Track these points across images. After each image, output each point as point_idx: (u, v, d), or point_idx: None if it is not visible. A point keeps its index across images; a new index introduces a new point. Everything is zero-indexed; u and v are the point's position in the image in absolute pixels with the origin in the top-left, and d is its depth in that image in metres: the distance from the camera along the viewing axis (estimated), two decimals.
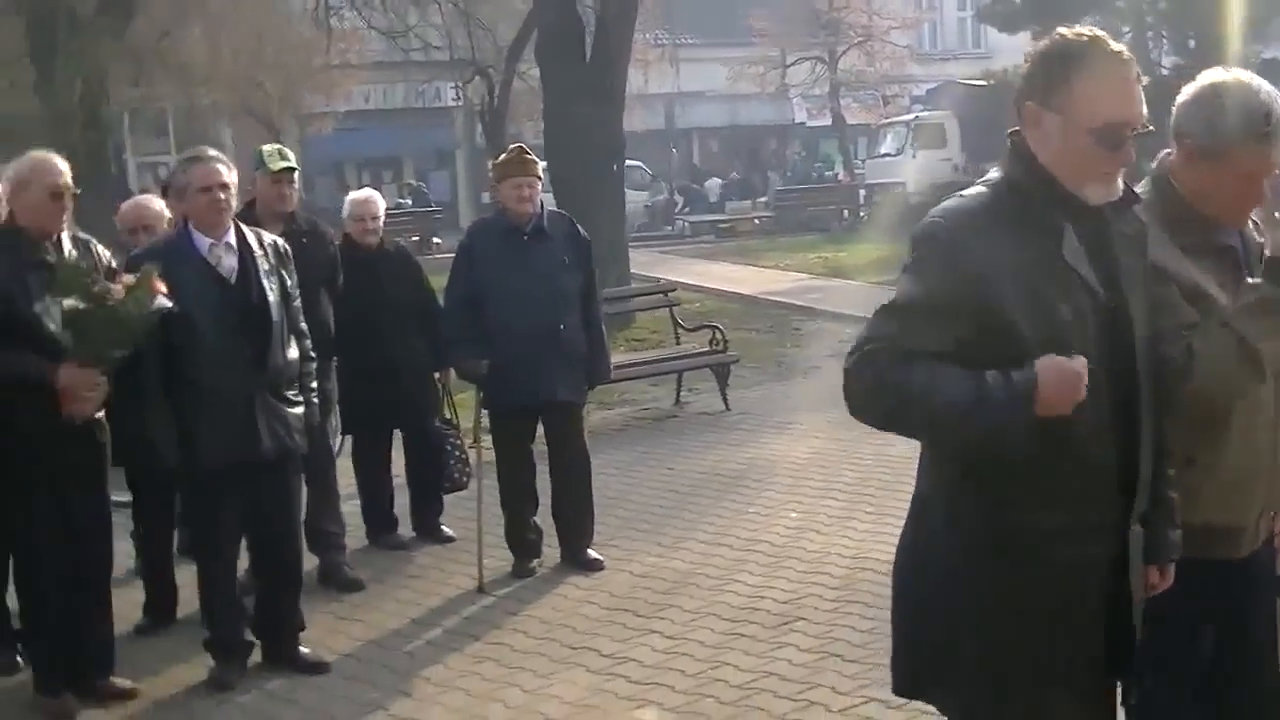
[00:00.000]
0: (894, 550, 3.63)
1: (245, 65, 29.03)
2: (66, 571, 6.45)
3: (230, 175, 6.71)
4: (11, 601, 6.97)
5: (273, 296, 6.72)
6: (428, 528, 9.23)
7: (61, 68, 21.52)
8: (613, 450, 11.09)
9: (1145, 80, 3.39)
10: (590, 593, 7.97)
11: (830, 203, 41.45)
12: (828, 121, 48.31)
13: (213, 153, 6.81)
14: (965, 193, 3.40)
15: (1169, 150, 3.79)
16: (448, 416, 9.34)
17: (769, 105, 51.51)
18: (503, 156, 8.56)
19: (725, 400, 13.38)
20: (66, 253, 6.40)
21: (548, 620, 7.55)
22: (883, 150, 39.93)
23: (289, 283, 6.88)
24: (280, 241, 7.02)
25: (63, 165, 6.49)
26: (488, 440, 8.53)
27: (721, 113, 52.81)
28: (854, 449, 10.78)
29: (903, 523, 3.62)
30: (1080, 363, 3.16)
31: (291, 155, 8.21)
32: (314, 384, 7.15)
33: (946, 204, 3.37)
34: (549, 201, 9.66)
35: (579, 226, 8.59)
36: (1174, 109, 3.76)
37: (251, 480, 6.70)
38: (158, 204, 8.16)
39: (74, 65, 21.60)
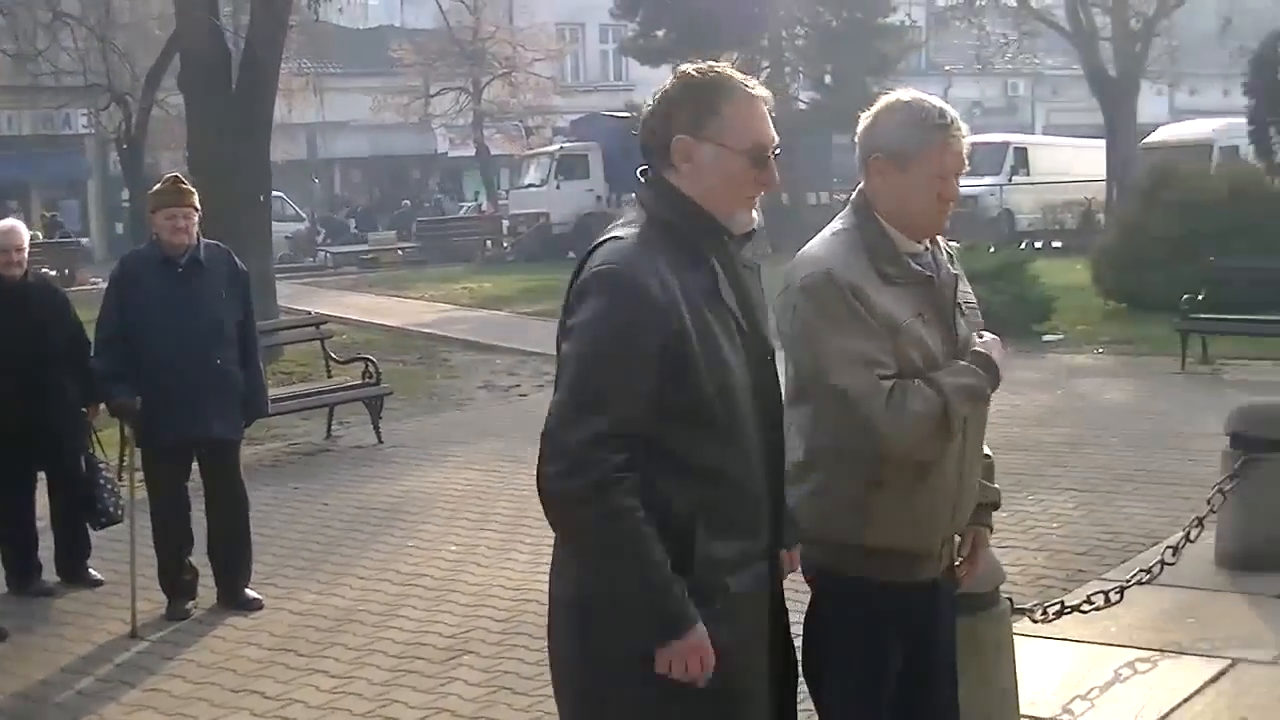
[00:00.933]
0: None
1: None
2: None
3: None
4: None
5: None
6: (75, 572, 8.88)
7: None
8: (264, 486, 10.88)
9: (776, 113, 3.58)
10: (250, 633, 7.81)
11: (474, 233, 41.62)
12: (471, 151, 48.53)
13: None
14: (619, 234, 3.43)
15: (860, 185, 3.92)
16: (92, 451, 9.02)
17: (413, 135, 51.49)
18: (158, 186, 8.33)
19: (378, 433, 13.29)
20: None
21: (207, 664, 7.36)
22: (527, 181, 40.34)
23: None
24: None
25: None
26: (139, 479, 8.29)
27: (364, 143, 52.54)
28: (510, 480, 10.79)
29: None
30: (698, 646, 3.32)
31: None
32: None
33: (610, 248, 3.39)
34: None
35: (236, 259, 8.43)
36: (858, 139, 3.90)
37: None
38: None
39: None
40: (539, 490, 3.32)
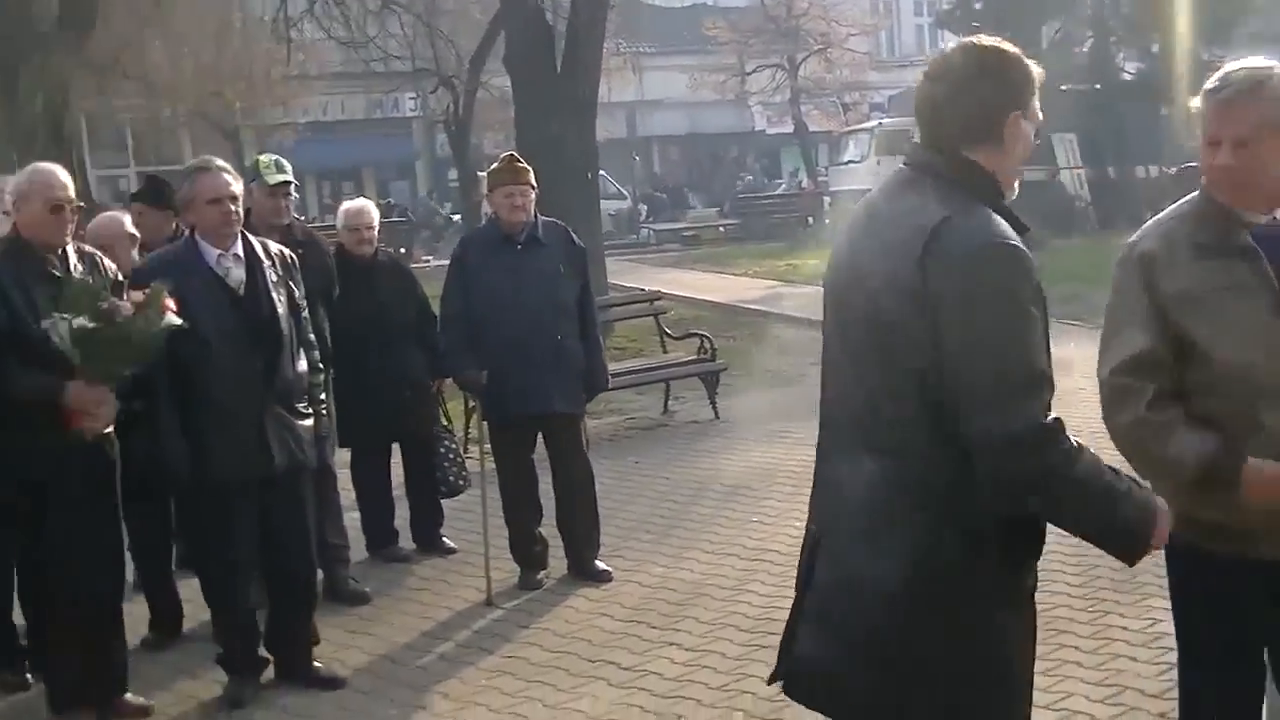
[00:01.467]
0: None
1: (206, 76, 28.81)
2: (79, 588, 6.27)
3: (238, 186, 6.58)
4: (18, 617, 6.84)
5: (281, 308, 6.58)
6: (429, 540, 9.08)
7: (23, 81, 21.25)
8: (605, 459, 10.93)
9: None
10: (602, 605, 7.84)
11: (794, 210, 41.42)
12: (788, 128, 48.32)
13: (219, 163, 6.65)
14: (952, 212, 3.30)
15: (1191, 164, 3.85)
16: (445, 423, 9.19)
17: (729, 112, 51.55)
18: (494, 165, 8.43)
19: (715, 409, 13.28)
20: (73, 267, 6.26)
21: (562, 633, 7.42)
22: (845, 157, 39.93)
23: (297, 294, 6.77)
24: (287, 252, 6.90)
25: (64, 178, 6.33)
26: (487, 450, 8.40)
27: (682, 120, 52.83)
28: None
29: None
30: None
31: (289, 168, 8.03)
32: (323, 396, 7.02)
33: (982, 224, 3.29)
34: None
35: (574, 235, 8.46)
36: (1232, 107, 3.73)
37: (262, 495, 6.55)
38: (121, 221, 7.79)
39: (36, 78, 21.33)
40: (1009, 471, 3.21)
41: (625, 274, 25.83)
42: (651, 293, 15.18)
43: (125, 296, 6.14)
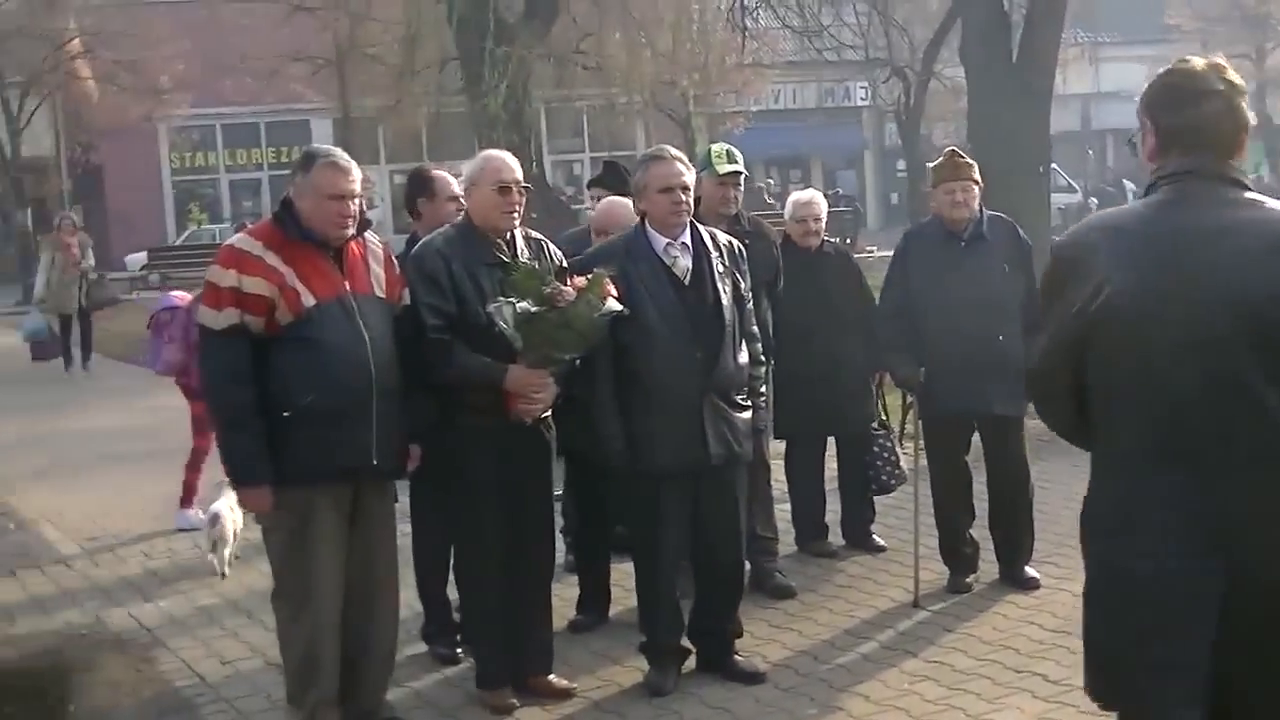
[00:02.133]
0: None
1: (662, 65, 29.43)
2: (510, 568, 6.52)
3: (690, 175, 6.65)
4: (451, 592, 7.14)
5: (726, 298, 6.61)
6: (859, 536, 9.06)
7: (488, 71, 22.18)
8: (1042, 461, 10.66)
9: None
10: (1032, 613, 7.67)
11: None
12: (1252, 121, 46.23)
13: (674, 152, 6.71)
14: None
15: None
16: (882, 418, 9.14)
17: None
18: (937, 160, 8.32)
19: None
20: (519, 251, 6.46)
21: (988, 640, 7.28)
22: None
23: (742, 285, 6.79)
24: (735, 242, 6.92)
25: (512, 162, 6.56)
26: (921, 448, 8.35)
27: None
28: None
29: None
30: None
31: (740, 157, 8.03)
32: (763, 388, 7.06)
33: None
34: None
35: (1020, 231, 8.28)
36: None
37: (697, 484, 6.63)
38: (623, 206, 7.85)
39: (500, 69, 22.23)
40: None
41: None
42: None
43: (569, 282, 6.31)
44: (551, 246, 6.75)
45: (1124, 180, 48.41)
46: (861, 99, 46.25)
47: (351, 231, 6.03)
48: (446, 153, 28.07)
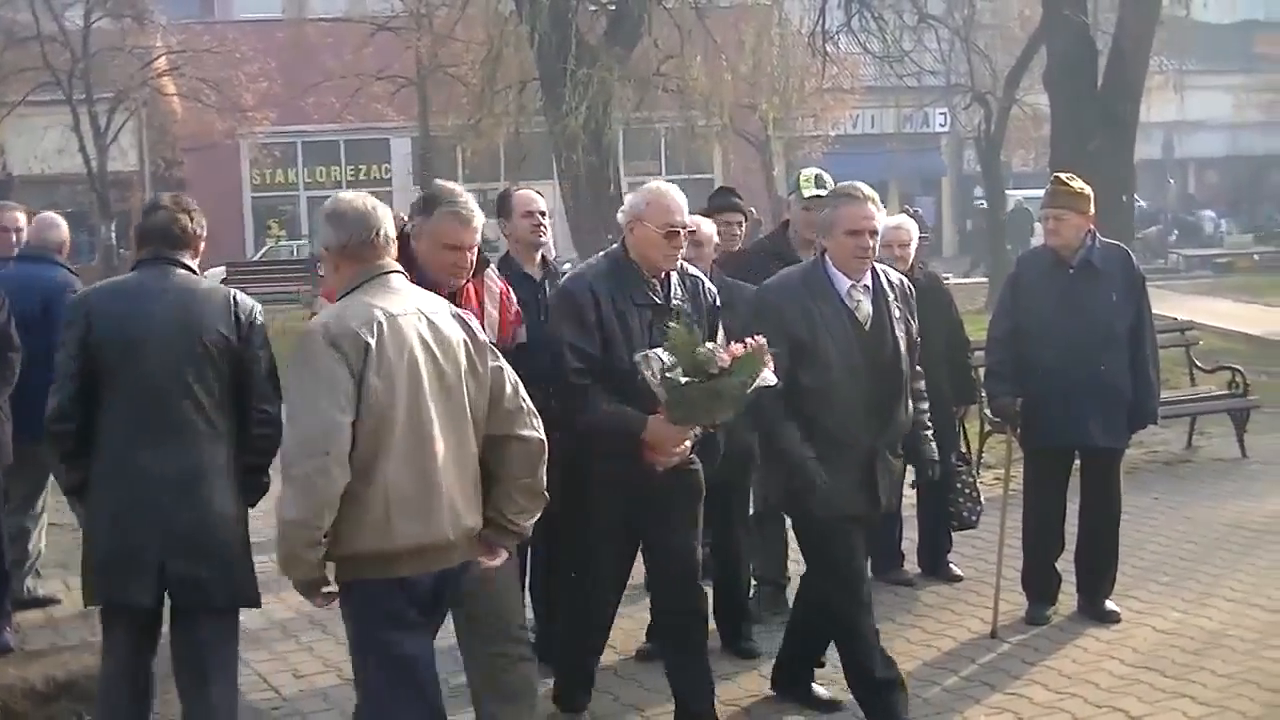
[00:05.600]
0: None
1: (741, 88, 29.38)
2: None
3: (881, 217, 6.36)
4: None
5: (903, 346, 6.34)
6: (935, 565, 8.97)
7: (569, 92, 22.21)
8: (1125, 493, 10.56)
9: None
10: (1112, 647, 7.57)
11: None
12: None
13: (866, 190, 6.33)
14: None
15: None
16: (963, 451, 9.04)
17: (1273, 134, 49.19)
18: (1048, 188, 8.24)
19: (1243, 447, 12.66)
20: (673, 292, 6.24)
21: (1068, 674, 7.19)
22: None
23: (913, 328, 6.48)
24: (905, 281, 6.63)
25: (682, 201, 6.23)
26: (1012, 477, 8.29)
27: (1221, 142, 50.74)
28: None
29: None
30: None
31: (830, 183, 7.88)
32: (929, 422, 7.06)
33: None
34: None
35: (1134, 259, 8.19)
36: None
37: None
38: (709, 226, 7.84)
39: (581, 90, 22.26)
40: None
41: (1153, 301, 24.90)
42: (1183, 322, 14.58)
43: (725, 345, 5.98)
44: (707, 284, 6.51)
45: (1205, 211, 48.03)
46: (940, 125, 46.09)
47: (465, 280, 5.79)
48: (525, 173, 28.14)
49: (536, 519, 5.18)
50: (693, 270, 6.47)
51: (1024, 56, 27.87)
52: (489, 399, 4.99)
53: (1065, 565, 8.21)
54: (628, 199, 6.37)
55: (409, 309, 4.85)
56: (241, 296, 5.85)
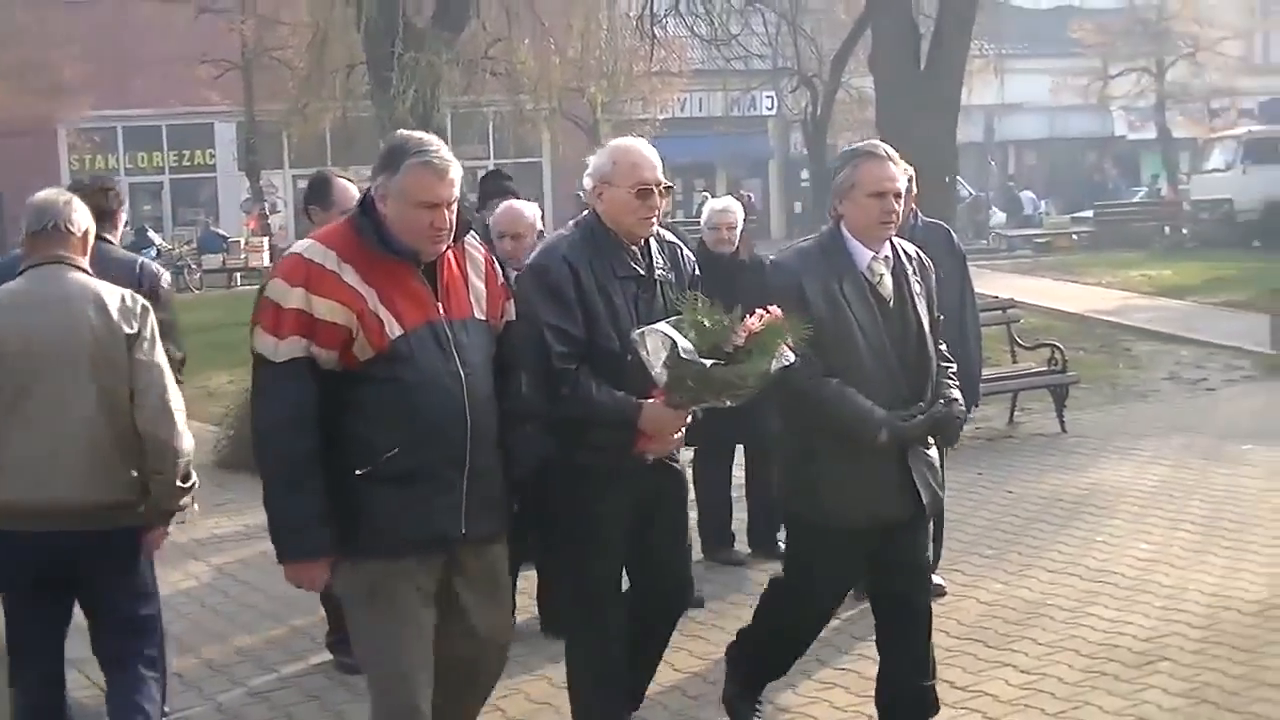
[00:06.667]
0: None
1: (570, 72, 29.41)
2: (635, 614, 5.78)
3: (904, 179, 5.75)
4: None
5: (926, 324, 5.67)
6: (765, 543, 9.08)
7: (397, 76, 22.06)
8: (947, 469, 10.74)
9: None
10: (937, 620, 7.43)
11: (1152, 219, 40.23)
12: (1149, 134, 47.05)
13: (888, 149, 5.65)
14: None
15: None
16: None
17: (1089, 117, 50.44)
18: None
19: (1062, 422, 13.02)
20: (654, 261, 5.59)
21: None
22: (1210, 165, 38.64)
23: (934, 305, 5.78)
24: (920, 253, 5.90)
25: (652, 156, 5.55)
26: None
27: (1040, 125, 51.91)
28: (1204, 479, 10.38)
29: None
30: None
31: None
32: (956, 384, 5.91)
33: None
34: None
35: (956, 238, 8.37)
36: None
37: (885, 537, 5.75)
38: (531, 212, 7.97)
39: (409, 74, 22.11)
40: None
41: (975, 280, 25.35)
42: (1004, 300, 14.90)
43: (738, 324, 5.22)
44: (686, 252, 5.85)
45: (1023, 192, 49.03)
46: (768, 108, 46.57)
47: (446, 245, 4.90)
48: (351, 157, 27.92)
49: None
50: (669, 236, 5.83)
51: (849, 40, 28.28)
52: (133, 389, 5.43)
53: None
54: (591, 161, 5.63)
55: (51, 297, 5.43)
56: None
